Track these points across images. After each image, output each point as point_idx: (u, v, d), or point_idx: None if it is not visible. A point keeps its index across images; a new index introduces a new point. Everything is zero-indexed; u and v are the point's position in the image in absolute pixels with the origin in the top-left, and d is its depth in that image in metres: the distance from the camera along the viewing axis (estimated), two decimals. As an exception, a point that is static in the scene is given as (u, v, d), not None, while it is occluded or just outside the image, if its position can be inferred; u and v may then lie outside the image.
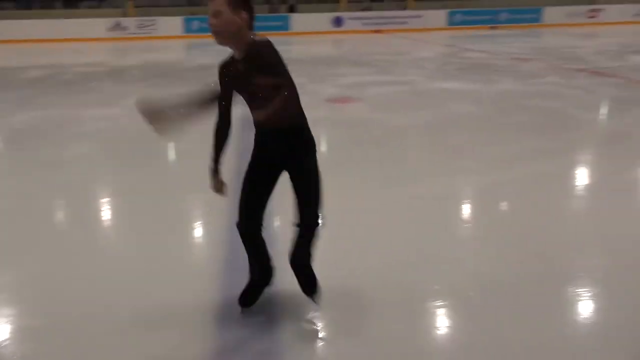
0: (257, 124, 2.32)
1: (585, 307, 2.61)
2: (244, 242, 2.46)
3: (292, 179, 2.35)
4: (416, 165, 5.02)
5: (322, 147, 5.99)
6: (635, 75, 9.73)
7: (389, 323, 2.43)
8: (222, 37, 2.12)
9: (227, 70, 2.24)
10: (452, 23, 25.09)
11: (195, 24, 23.52)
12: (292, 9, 25.46)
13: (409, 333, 2.37)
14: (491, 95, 8.40)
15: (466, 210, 4.02)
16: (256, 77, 2.12)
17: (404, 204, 3.92)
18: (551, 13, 25.47)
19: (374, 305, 2.57)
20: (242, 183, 2.39)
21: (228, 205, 3.89)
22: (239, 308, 2.52)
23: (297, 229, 2.42)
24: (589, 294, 2.69)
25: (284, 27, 24.01)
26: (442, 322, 2.49)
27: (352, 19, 24.95)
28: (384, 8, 26.10)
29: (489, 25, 24.61)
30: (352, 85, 9.61)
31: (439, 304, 2.59)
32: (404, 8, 26.05)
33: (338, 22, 24.69)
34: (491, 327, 2.39)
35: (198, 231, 3.70)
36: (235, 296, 2.55)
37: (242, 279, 2.58)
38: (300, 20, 24.30)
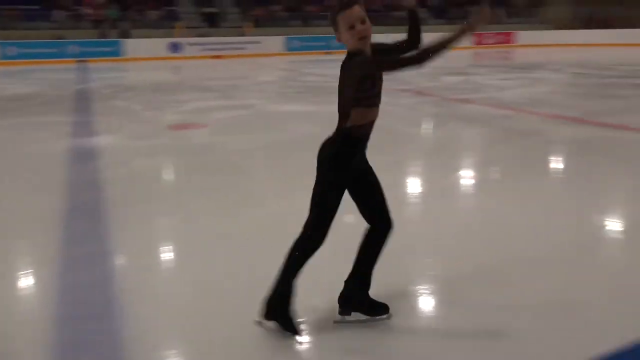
0: (367, 125, 2.34)
1: (428, 303, 2.83)
2: (306, 258, 2.45)
3: (367, 181, 2.45)
4: (263, 187, 5.05)
5: (168, 176, 5.74)
6: (449, 94, 11.06)
7: (235, 346, 2.37)
8: (367, 40, 2.24)
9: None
10: (289, 48, 26.15)
11: (13, 50, 21.21)
12: (124, 35, 24.24)
13: (254, 352, 2.33)
14: (330, 116, 8.83)
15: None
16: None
17: (254, 226, 3.90)
18: (377, 40, 27.93)
19: (227, 331, 2.49)
20: (330, 193, 2.38)
21: (52, 253, 3.53)
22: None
23: (375, 232, 2.47)
24: (429, 291, 2.92)
25: (115, 52, 22.78)
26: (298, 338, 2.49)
27: (190, 44, 24.62)
28: (221, 34, 26.20)
29: (324, 51, 26.15)
30: (194, 111, 9.41)
31: (299, 320, 2.59)
32: (243, 34, 26.46)
33: (175, 47, 24.16)
34: (340, 335, 2.45)
35: (23, 281, 3.24)
36: (75, 342, 2.26)
37: (79, 325, 2.31)
38: (134, 45, 23.26)
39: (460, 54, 25.42)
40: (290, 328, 2.42)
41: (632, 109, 8.85)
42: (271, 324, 2.46)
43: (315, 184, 2.42)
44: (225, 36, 25.84)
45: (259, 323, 2.48)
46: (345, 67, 2.30)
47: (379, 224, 2.49)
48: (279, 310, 2.43)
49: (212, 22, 26.95)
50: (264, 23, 27.77)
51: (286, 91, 12.63)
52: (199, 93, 12.04)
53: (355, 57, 2.23)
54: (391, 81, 14.92)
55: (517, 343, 2.37)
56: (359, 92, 2.27)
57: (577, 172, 5.44)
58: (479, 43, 30.11)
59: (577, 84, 13.02)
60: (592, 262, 3.24)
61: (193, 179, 5.26)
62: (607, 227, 3.88)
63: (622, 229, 3.88)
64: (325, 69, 18.24)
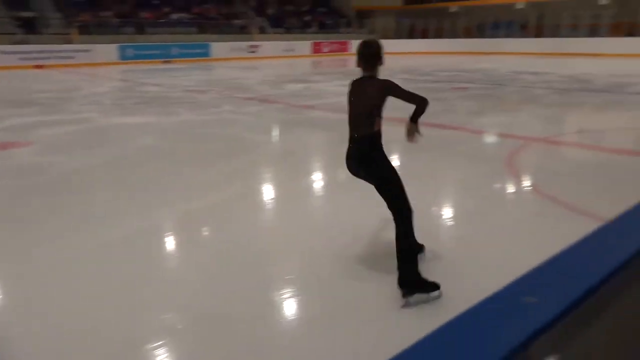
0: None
1: (293, 305, 2.85)
2: (411, 220, 2.88)
3: None
4: (109, 206, 4.67)
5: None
6: (293, 101, 11.39)
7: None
8: None
9: None
10: (124, 57, 24.64)
11: None
12: None
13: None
14: (173, 127, 8.54)
15: (170, 242, 3.93)
16: None
17: (103, 249, 3.58)
18: (218, 48, 27.70)
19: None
20: (393, 175, 2.93)
21: None
22: None
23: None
24: (293, 293, 2.95)
25: None
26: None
27: (5, 53, 21.91)
28: (44, 41, 23.72)
29: (162, 60, 25.14)
30: (15, 128, 8.37)
31: (154, 345, 2.44)
32: (70, 41, 24.26)
33: (-14, 56, 21.29)
34: (206, 352, 2.37)
35: None
36: None
37: None
38: None
39: (301, 62, 26.37)
40: (430, 288, 2.80)
41: (452, 110, 10.02)
42: (415, 297, 2.74)
43: (378, 183, 2.95)
44: (49, 44, 23.45)
45: (406, 304, 2.74)
46: (370, 85, 2.93)
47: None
48: (415, 282, 2.79)
49: (30, 28, 24.23)
50: (93, 30, 25.79)
51: (123, 103, 11.86)
52: (19, 108, 10.73)
53: (379, 79, 2.96)
54: (233, 89, 14.95)
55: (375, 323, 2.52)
56: (381, 107, 2.92)
57: (412, 166, 5.97)
58: (317, 52, 31.55)
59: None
60: (442, 242, 3.58)
61: (20, 205, 4.65)
62: (444, 213, 4.32)
63: (454, 214, 4.36)
64: (165, 79, 17.56)
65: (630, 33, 27.31)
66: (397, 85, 2.88)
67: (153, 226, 4.12)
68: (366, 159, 2.94)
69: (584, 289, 0.66)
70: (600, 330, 0.78)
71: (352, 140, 2.98)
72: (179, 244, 3.90)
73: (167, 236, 4.05)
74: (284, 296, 2.94)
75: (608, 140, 7.41)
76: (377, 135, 2.96)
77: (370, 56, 2.96)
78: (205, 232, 4.09)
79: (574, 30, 29.34)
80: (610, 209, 1.25)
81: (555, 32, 30.14)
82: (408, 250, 2.84)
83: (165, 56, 25.37)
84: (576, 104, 11.17)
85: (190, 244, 3.81)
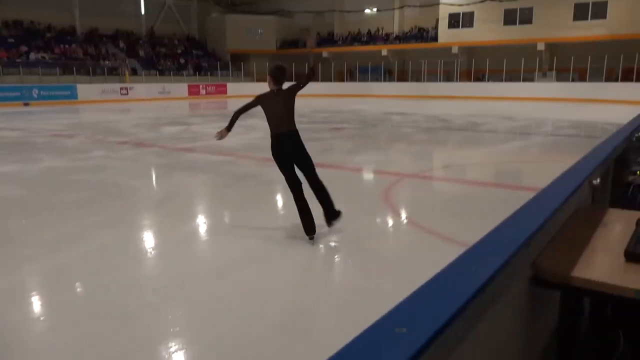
0: None
1: (183, 358, 2.70)
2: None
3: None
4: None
5: None
6: (170, 144, 11.07)
7: None
8: None
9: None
10: (-26, 100, 22.26)
11: None
12: None
13: None
14: (36, 175, 7.83)
15: (35, 303, 3.52)
16: None
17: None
18: (85, 90, 26.22)
19: None
20: None
21: None
22: None
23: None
24: (182, 345, 2.79)
25: None
26: None
27: None
28: None
29: (22, 102, 23.13)
30: None
31: None
32: None
33: None
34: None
35: None
36: None
37: None
38: None
39: (178, 104, 25.87)
40: (338, 214, 4.52)
41: (330, 149, 10.44)
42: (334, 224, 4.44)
43: (308, 155, 4.45)
44: None
45: (331, 225, 4.53)
46: (283, 93, 4.33)
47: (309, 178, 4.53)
48: (336, 213, 4.50)
49: None
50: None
51: (-25, 150, 10.65)
52: None
53: (285, 89, 4.34)
54: (104, 133, 14.18)
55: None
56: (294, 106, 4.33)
57: (293, 204, 6.06)
58: (194, 94, 31.22)
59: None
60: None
61: None
62: (331, 244, 4.43)
63: (336, 247, 4.48)
64: (25, 123, 16.13)
65: (478, 78, 30.91)
66: (294, 84, 4.34)
67: (13, 286, 3.68)
68: (301, 145, 4.36)
69: (448, 315, 0.72)
70: (466, 355, 0.85)
71: (284, 134, 4.30)
72: (46, 303, 3.51)
73: (32, 296, 3.64)
74: (172, 349, 2.77)
75: (469, 174, 8.20)
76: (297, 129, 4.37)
77: (280, 76, 4.32)
78: (79, 287, 3.75)
79: (433, 75, 32.47)
80: (474, 236, 1.39)
81: (417, 77, 33.08)
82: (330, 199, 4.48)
83: (25, 98, 23.39)
84: (440, 142, 12.25)
85: (60, 303, 3.46)
